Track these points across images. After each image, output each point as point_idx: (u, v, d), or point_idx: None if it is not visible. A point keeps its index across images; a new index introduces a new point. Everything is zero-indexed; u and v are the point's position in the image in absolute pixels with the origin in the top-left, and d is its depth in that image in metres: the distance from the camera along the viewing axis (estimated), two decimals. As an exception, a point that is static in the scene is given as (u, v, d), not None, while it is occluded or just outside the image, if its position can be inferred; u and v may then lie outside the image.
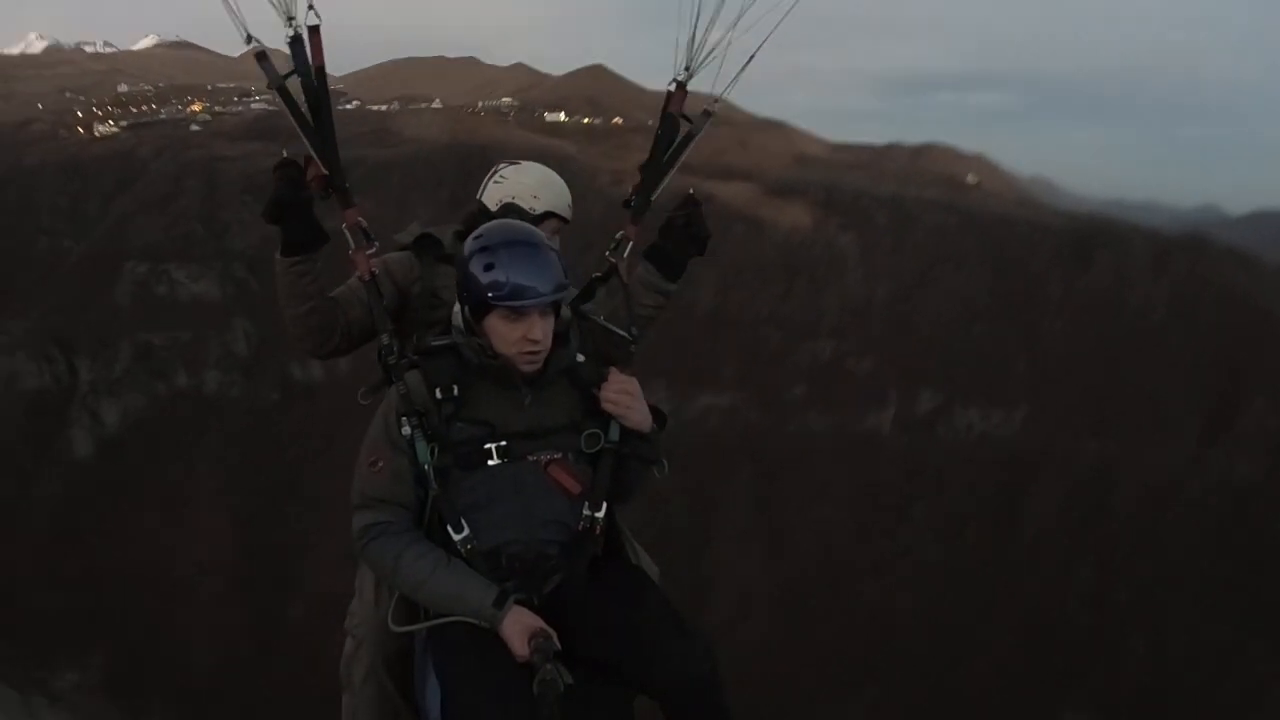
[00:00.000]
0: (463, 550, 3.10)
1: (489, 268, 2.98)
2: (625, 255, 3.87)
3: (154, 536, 50.69)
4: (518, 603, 3.03)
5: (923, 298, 64.53)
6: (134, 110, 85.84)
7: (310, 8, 3.24)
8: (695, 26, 3.57)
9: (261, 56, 3.27)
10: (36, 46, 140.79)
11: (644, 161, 3.88)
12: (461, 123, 77.93)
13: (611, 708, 3.20)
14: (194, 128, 77.80)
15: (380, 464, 3.12)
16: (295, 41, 3.28)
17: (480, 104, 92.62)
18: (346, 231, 3.58)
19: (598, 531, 3.23)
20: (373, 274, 3.56)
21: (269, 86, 3.33)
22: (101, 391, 56.55)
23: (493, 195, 4.04)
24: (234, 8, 3.18)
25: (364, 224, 3.60)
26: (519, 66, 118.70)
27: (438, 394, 3.11)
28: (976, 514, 55.53)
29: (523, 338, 3.04)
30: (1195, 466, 58.14)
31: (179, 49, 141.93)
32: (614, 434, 3.23)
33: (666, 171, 3.86)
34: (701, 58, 3.65)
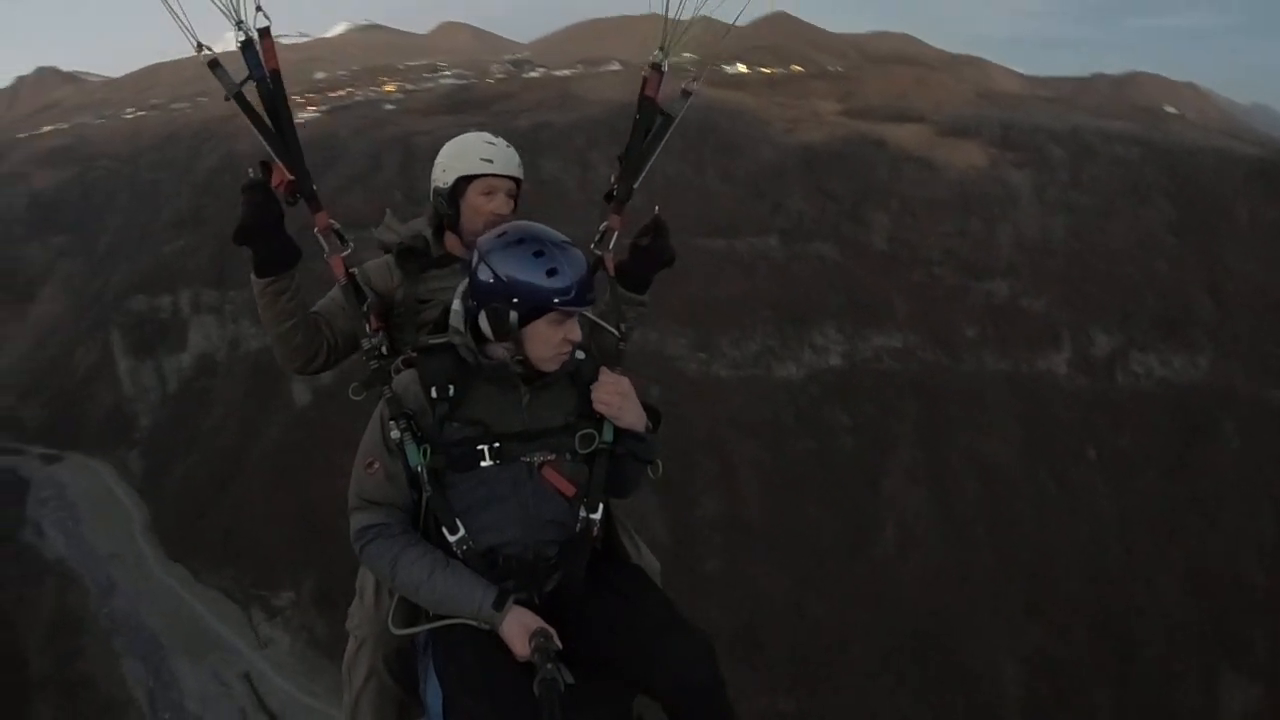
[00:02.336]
0: (459, 551, 3.10)
1: (552, 272, 2.97)
2: (611, 247, 3.90)
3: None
4: (518, 603, 3.04)
5: (1100, 234, 63.15)
6: (331, 95, 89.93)
7: (258, 10, 3.23)
8: (666, 7, 3.62)
9: (215, 64, 3.27)
10: (234, 45, 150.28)
11: (623, 150, 3.90)
12: (640, 82, 79.62)
13: (612, 707, 3.21)
14: (388, 106, 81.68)
15: (375, 466, 3.15)
16: (246, 46, 3.28)
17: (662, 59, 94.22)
18: (319, 236, 3.61)
19: (594, 532, 3.24)
20: (350, 275, 3.62)
21: (225, 98, 3.35)
22: None
23: (431, 185, 4.04)
24: (182, 16, 3.15)
25: (336, 226, 3.64)
26: (702, 19, 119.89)
27: (433, 394, 3.13)
28: (1151, 461, 54.76)
29: (564, 340, 3.07)
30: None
31: (369, 32, 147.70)
32: (608, 434, 3.23)
33: (648, 158, 3.88)
34: (679, 39, 3.69)
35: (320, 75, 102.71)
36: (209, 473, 60.74)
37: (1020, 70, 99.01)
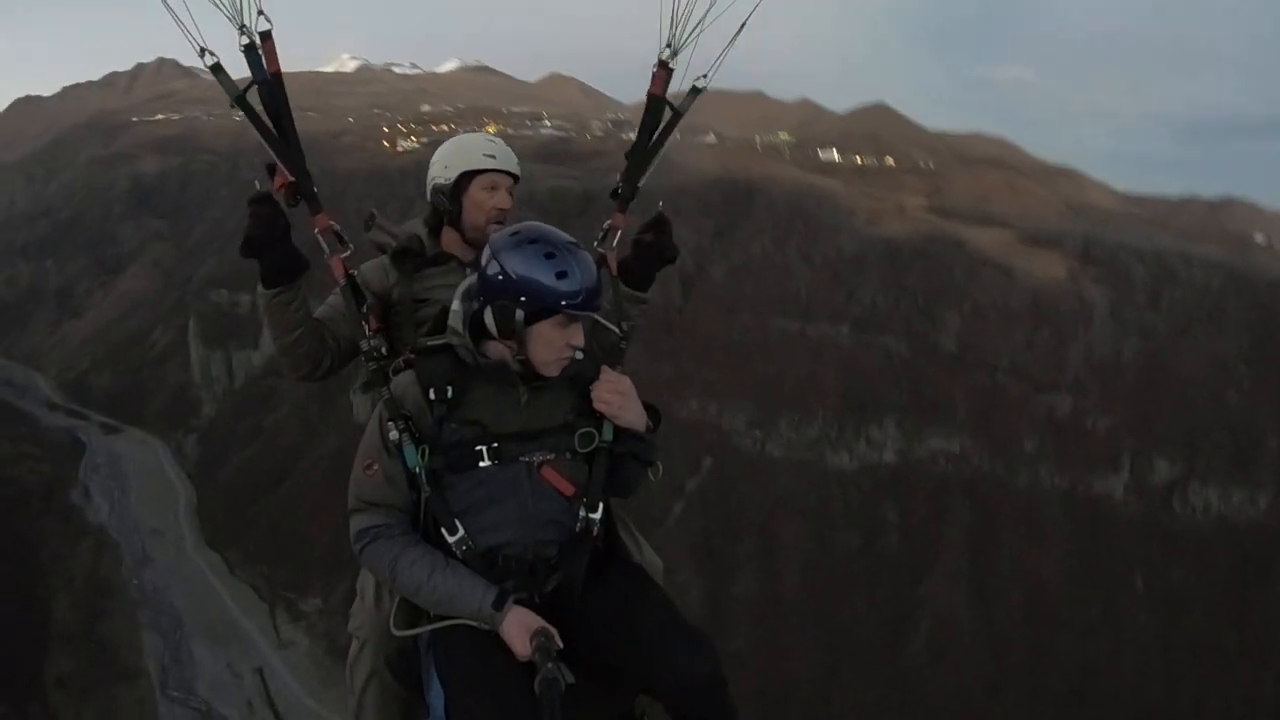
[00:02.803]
0: (458, 552, 3.10)
1: (561, 275, 2.96)
2: (614, 245, 3.90)
3: None
4: (518, 603, 3.04)
5: (1174, 359, 62.73)
6: (434, 128, 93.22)
7: (260, 13, 3.24)
8: (677, 3, 3.55)
9: (217, 68, 3.29)
10: (349, 66, 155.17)
11: (629, 148, 3.88)
12: (734, 157, 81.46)
13: (613, 706, 3.22)
14: None
15: (374, 467, 3.17)
16: (249, 49, 3.29)
17: (758, 138, 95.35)
18: (319, 237, 3.63)
19: (594, 532, 3.23)
20: (350, 276, 3.65)
21: (231, 105, 3.37)
22: None
23: (428, 184, 4.04)
24: (186, 19, 3.15)
25: (336, 228, 3.66)
26: (804, 103, 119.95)
27: (431, 394, 3.12)
28: (1201, 598, 53.76)
29: (567, 344, 3.06)
30: None
31: (479, 73, 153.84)
32: (608, 433, 3.23)
33: (652, 156, 3.85)
34: (685, 36, 3.60)
35: (426, 108, 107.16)
36: (263, 469, 63.10)
37: (1116, 186, 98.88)
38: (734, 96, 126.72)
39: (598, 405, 3.20)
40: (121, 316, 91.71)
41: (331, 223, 3.65)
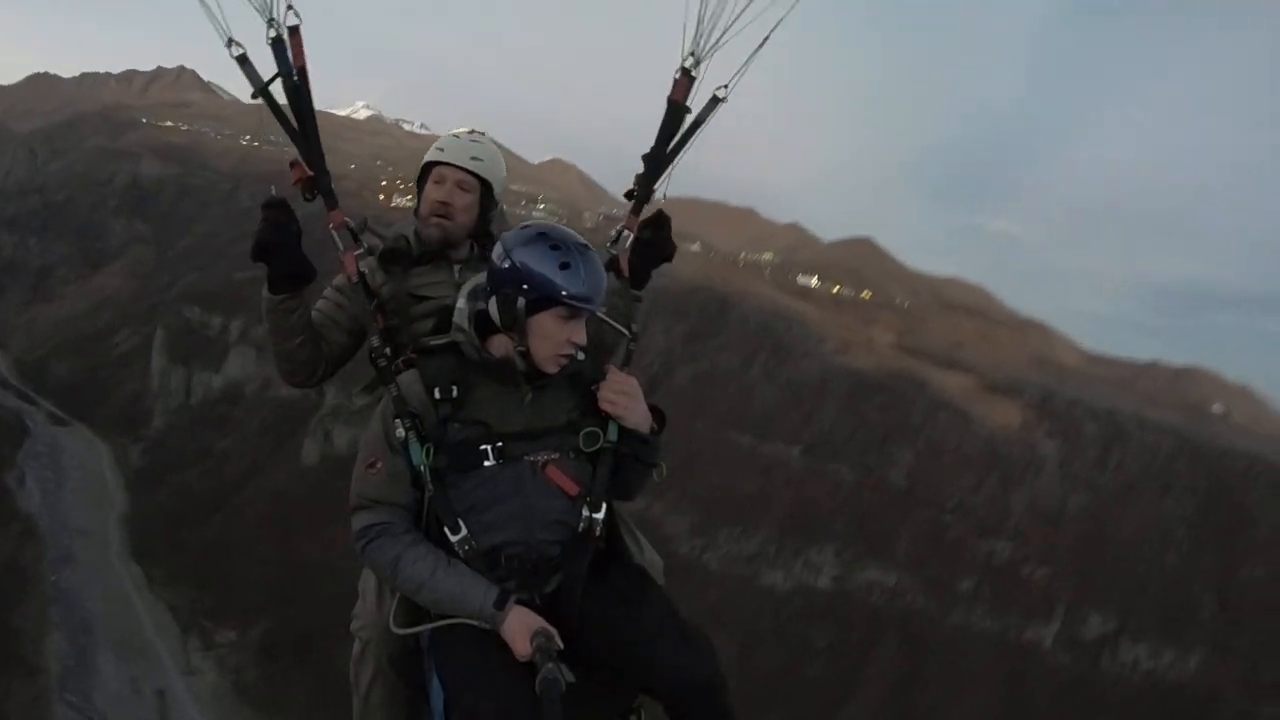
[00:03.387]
0: (461, 551, 3.10)
1: (565, 266, 3.01)
2: (626, 247, 3.90)
3: (343, 549, 58.13)
4: (519, 603, 3.03)
5: (1117, 517, 63.99)
6: None
7: (289, 8, 3.26)
8: (703, 11, 3.51)
9: (244, 60, 3.29)
10: (361, 114, 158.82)
11: (648, 151, 3.84)
12: (716, 268, 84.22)
13: (614, 706, 3.21)
14: None
15: (378, 465, 3.16)
16: (276, 43, 3.30)
17: (743, 254, 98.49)
18: (333, 232, 3.66)
19: (597, 532, 3.22)
20: (361, 274, 3.64)
21: (253, 95, 3.37)
22: (340, 417, 64.74)
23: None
24: (215, 11, 3.15)
25: (350, 224, 3.71)
26: (793, 226, 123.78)
27: (435, 394, 3.14)
28: (1123, 756, 53.92)
29: (567, 340, 3.08)
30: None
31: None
32: (613, 433, 3.24)
33: (670, 161, 3.83)
34: (709, 45, 3.58)
35: None
36: (203, 493, 63.28)
37: (1085, 345, 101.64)
38: (727, 209, 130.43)
39: (604, 405, 3.23)
40: (92, 310, 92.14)
41: (346, 219, 3.70)
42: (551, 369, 3.12)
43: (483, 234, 3.98)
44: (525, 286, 3.04)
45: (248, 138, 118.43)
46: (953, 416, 67.65)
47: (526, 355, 3.10)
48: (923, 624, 57.59)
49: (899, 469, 64.50)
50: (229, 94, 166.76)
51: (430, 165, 3.93)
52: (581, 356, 3.21)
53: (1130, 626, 59.37)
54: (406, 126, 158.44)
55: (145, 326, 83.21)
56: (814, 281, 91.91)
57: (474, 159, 3.88)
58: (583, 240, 3.14)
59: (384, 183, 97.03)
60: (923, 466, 64.71)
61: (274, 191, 3.50)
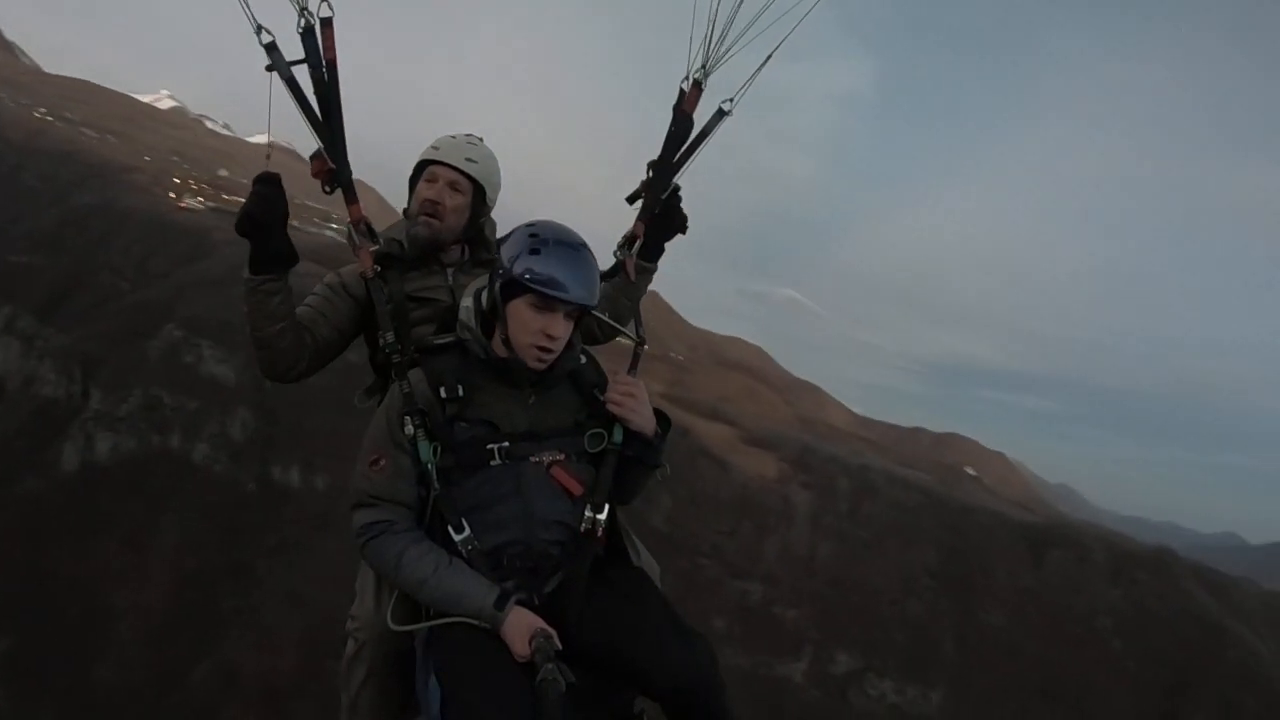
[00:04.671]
0: (464, 551, 3.09)
1: (534, 252, 3.03)
2: (633, 253, 3.98)
3: (101, 563, 54.23)
4: (518, 603, 3.01)
5: (864, 564, 66.54)
6: (224, 196, 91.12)
7: (323, 0, 3.23)
8: (713, 24, 3.53)
9: (272, 47, 3.24)
10: (165, 103, 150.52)
11: (654, 159, 3.86)
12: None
13: (612, 708, 3.18)
14: None
15: (382, 462, 3.12)
16: (307, 33, 3.27)
17: None
18: (350, 227, 3.65)
19: (599, 533, 3.22)
20: (376, 270, 3.60)
21: (281, 76, 3.30)
22: (103, 422, 61.06)
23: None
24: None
25: (368, 220, 3.67)
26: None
27: (441, 393, 3.13)
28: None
29: (542, 331, 3.08)
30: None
31: (288, 156, 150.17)
32: (617, 436, 3.25)
33: (675, 171, 3.87)
34: (719, 57, 3.62)
35: (223, 173, 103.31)
36: None
37: (856, 409, 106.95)
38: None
39: (610, 408, 3.26)
40: None
41: (364, 215, 3.65)
42: (531, 361, 3.15)
43: (474, 238, 4.00)
44: (500, 270, 3.12)
45: (42, 110, 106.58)
46: (712, 465, 69.21)
47: (509, 344, 3.15)
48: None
49: (661, 513, 65.04)
50: (30, 59, 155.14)
51: (424, 164, 3.92)
52: (584, 360, 3.32)
53: (875, 665, 61.28)
54: (210, 124, 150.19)
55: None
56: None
57: (469, 160, 3.90)
58: (576, 239, 3.16)
59: (177, 180, 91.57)
60: (683, 512, 65.56)
61: (268, 162, 3.43)
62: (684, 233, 4.06)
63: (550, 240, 3.09)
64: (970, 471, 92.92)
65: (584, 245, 3.16)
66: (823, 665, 60.69)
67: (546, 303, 3.08)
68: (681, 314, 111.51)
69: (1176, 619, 64.33)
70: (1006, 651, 63.50)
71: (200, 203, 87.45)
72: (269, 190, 3.35)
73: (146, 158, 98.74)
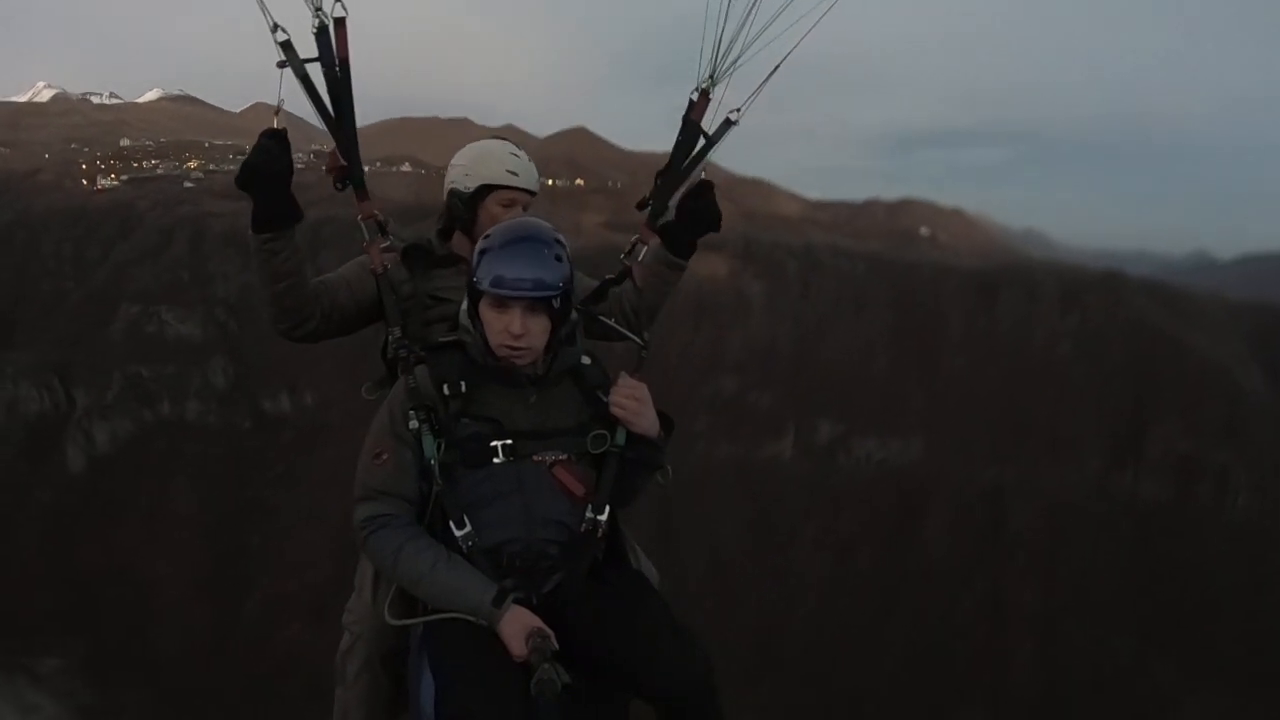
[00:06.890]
0: (464, 547, 3.11)
1: (483, 252, 3.06)
2: (641, 259, 3.96)
3: (132, 543, 55.76)
4: (517, 602, 3.03)
5: (824, 338, 68.48)
6: (135, 165, 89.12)
7: (337, 0, 3.29)
8: (721, 33, 3.54)
9: (287, 45, 3.26)
10: (44, 95, 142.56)
11: (662, 168, 3.91)
12: (428, 186, 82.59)
13: (608, 709, 3.21)
14: (187, 184, 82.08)
15: (385, 456, 3.15)
16: (321, 32, 3.31)
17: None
18: (361, 224, 3.66)
19: (599, 534, 3.25)
20: (385, 268, 3.62)
21: (296, 74, 3.31)
22: (95, 416, 62.21)
23: (446, 186, 3.94)
24: None
25: (379, 217, 3.69)
26: (508, 128, 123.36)
27: (445, 390, 3.14)
28: (871, 535, 58.61)
29: (505, 330, 3.07)
30: (1100, 489, 61.03)
31: (182, 103, 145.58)
32: (620, 438, 3.26)
33: (684, 178, 3.90)
34: (726, 65, 3.64)
35: (126, 142, 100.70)
36: None
37: (808, 195, 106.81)
38: (439, 123, 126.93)
39: (614, 410, 3.22)
40: None
41: (376, 212, 3.66)
42: (506, 361, 3.11)
43: None
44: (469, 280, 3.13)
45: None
46: (664, 278, 69.63)
47: (498, 356, 3.13)
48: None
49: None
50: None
51: (496, 186, 3.81)
52: (587, 361, 3.29)
53: (856, 427, 64.03)
54: (95, 99, 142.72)
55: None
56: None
57: (537, 181, 3.90)
58: (529, 229, 3.11)
59: (84, 166, 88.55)
60: (642, 330, 66.29)
61: (276, 123, 3.33)
62: (717, 230, 4.01)
63: (497, 241, 3.09)
64: (924, 232, 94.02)
65: (534, 236, 3.11)
66: (806, 437, 63.15)
67: (500, 301, 3.07)
68: (619, 144, 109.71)
69: (1130, 336, 66.85)
70: (973, 393, 66.13)
71: (114, 179, 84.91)
72: (273, 144, 3.30)
73: (46, 155, 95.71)
